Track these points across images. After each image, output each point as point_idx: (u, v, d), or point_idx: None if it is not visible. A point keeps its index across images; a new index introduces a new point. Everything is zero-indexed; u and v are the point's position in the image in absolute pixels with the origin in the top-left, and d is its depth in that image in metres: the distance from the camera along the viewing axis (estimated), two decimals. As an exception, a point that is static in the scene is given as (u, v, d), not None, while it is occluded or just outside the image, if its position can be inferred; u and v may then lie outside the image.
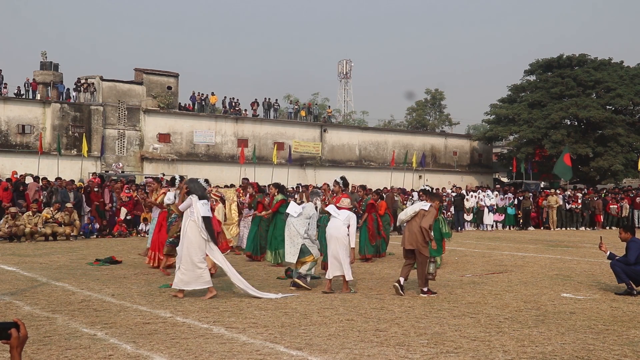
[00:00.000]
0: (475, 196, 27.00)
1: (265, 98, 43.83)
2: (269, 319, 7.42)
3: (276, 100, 44.17)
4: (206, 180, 12.10)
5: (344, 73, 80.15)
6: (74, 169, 31.63)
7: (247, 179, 16.98)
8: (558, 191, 29.88)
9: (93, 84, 36.08)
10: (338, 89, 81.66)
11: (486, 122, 49.34)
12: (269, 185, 14.44)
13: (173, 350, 5.91)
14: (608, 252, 9.89)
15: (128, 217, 20.34)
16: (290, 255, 9.71)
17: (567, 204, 28.21)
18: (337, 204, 9.91)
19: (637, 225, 26.31)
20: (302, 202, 24.12)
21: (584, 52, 45.65)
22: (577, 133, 43.10)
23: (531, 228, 27.49)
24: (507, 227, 27.46)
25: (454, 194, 26.32)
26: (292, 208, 9.99)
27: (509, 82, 57.29)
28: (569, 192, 29.49)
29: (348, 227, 9.57)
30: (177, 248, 9.41)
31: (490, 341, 6.44)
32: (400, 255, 14.98)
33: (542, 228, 27.75)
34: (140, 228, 20.37)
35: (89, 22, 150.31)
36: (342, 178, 12.76)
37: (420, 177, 42.18)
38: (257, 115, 42.26)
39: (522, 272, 12.27)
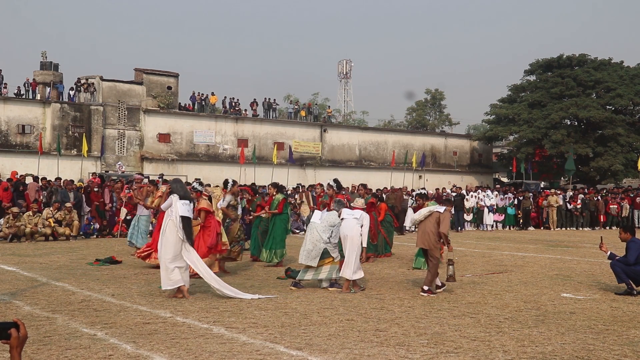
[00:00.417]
0: (475, 196, 27.00)
1: (265, 98, 43.86)
2: (269, 319, 7.42)
3: (274, 100, 44.19)
4: (200, 183, 12.13)
5: (344, 73, 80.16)
6: (74, 169, 31.63)
7: (235, 181, 16.86)
8: (558, 191, 29.89)
9: (93, 84, 36.09)
10: (338, 89, 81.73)
11: (486, 122, 49.34)
12: (268, 186, 14.45)
13: (173, 350, 5.91)
14: (609, 252, 9.90)
15: (128, 217, 20.31)
16: (310, 259, 9.62)
17: (567, 204, 28.21)
18: (352, 204, 10.23)
19: (637, 226, 26.31)
20: (302, 202, 24.25)
21: (584, 52, 45.71)
22: (577, 133, 43.10)
23: (531, 228, 27.49)
24: (507, 227, 27.46)
25: (453, 194, 26.31)
26: (317, 215, 10.04)
27: (509, 82, 57.38)
28: (570, 193, 29.48)
29: (361, 226, 9.72)
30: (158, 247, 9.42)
31: (490, 341, 6.44)
32: (401, 255, 15.04)
33: (542, 228, 27.75)
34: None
35: (89, 22, 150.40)
36: (335, 181, 12.79)
37: (420, 177, 42.19)
38: (257, 115, 42.26)
39: (522, 272, 12.27)
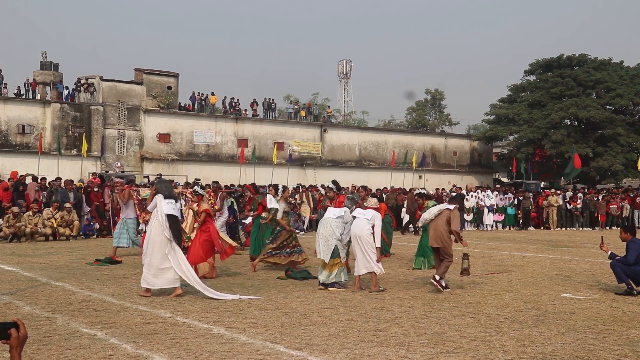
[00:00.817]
0: (475, 196, 27.01)
1: (265, 98, 43.85)
2: (269, 319, 7.42)
3: (273, 99, 44.18)
4: (202, 187, 12.15)
5: (344, 73, 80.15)
6: (74, 169, 31.63)
7: (217, 182, 16.87)
8: (558, 191, 29.89)
9: (93, 84, 36.08)
10: (338, 89, 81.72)
11: (486, 122, 49.34)
12: (268, 186, 14.43)
13: (173, 350, 5.91)
14: (609, 252, 9.90)
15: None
16: (324, 253, 9.64)
17: (567, 204, 28.22)
18: (365, 204, 10.29)
19: (637, 225, 26.30)
20: (302, 202, 24.25)
21: (584, 52, 45.69)
22: (577, 133, 43.09)
23: (531, 228, 27.49)
24: (507, 227, 27.46)
25: (453, 194, 26.30)
26: (332, 211, 10.03)
27: (509, 82, 57.34)
28: (570, 193, 29.49)
29: (372, 226, 9.75)
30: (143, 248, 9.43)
31: (490, 341, 6.44)
32: (401, 256, 15.04)
33: (542, 228, 27.75)
34: (140, 228, 20.33)
35: (89, 22, 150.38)
36: (334, 182, 12.79)
37: (420, 177, 42.17)
38: (257, 115, 42.26)
39: (522, 272, 12.27)
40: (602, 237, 11.01)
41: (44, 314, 7.49)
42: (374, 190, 26.73)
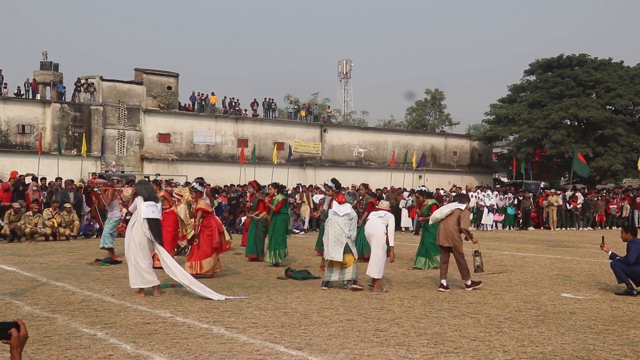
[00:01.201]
0: (475, 196, 27.01)
1: (265, 98, 43.83)
2: (269, 319, 7.42)
3: (273, 99, 44.18)
4: (201, 183, 12.12)
5: (344, 73, 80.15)
6: (74, 169, 31.62)
7: (201, 178, 16.65)
8: (558, 191, 29.90)
9: (93, 84, 36.08)
10: (338, 89, 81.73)
11: (486, 122, 49.33)
12: (268, 185, 14.43)
13: (173, 350, 5.91)
14: (610, 252, 9.91)
15: (127, 217, 20.29)
16: (336, 253, 9.55)
17: (567, 204, 28.22)
18: (377, 205, 10.42)
19: (637, 225, 26.30)
20: (302, 202, 24.25)
21: (584, 52, 45.66)
22: (577, 133, 43.08)
23: (531, 228, 27.50)
24: (507, 227, 27.46)
25: (453, 194, 26.31)
26: (338, 207, 9.99)
27: (509, 82, 57.33)
28: (570, 193, 29.49)
29: (386, 226, 9.81)
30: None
31: (490, 341, 6.44)
32: (401, 255, 15.03)
33: (542, 228, 27.76)
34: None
35: (89, 22, 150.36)
36: (334, 180, 12.78)
37: (420, 177, 42.16)
38: (257, 115, 42.26)
39: (522, 272, 12.27)
40: (602, 237, 11.02)
41: (44, 314, 7.49)
42: (373, 190, 26.76)
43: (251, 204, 14.62)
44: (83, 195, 19.66)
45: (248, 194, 15.69)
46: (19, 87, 35.95)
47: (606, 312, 8.21)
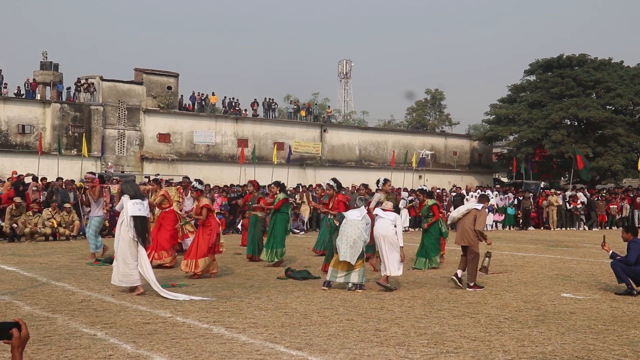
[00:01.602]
0: (475, 196, 26.98)
1: (265, 98, 43.84)
2: (269, 319, 7.42)
3: (272, 99, 44.18)
4: (200, 182, 12.11)
5: (344, 73, 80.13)
6: (74, 169, 31.61)
7: (187, 178, 16.54)
8: (558, 191, 29.91)
9: (93, 84, 36.08)
10: (338, 89, 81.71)
11: (486, 122, 49.34)
12: (269, 185, 14.42)
13: (173, 350, 5.92)
14: (610, 252, 9.92)
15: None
16: (350, 256, 9.54)
17: (567, 204, 28.22)
18: (382, 207, 10.35)
19: (637, 225, 26.29)
20: (302, 202, 24.25)
21: (584, 52, 45.67)
22: (577, 133, 43.09)
23: (531, 228, 27.49)
24: (507, 227, 27.45)
25: (453, 194, 26.32)
26: (355, 212, 9.97)
27: (509, 82, 57.35)
28: (570, 193, 29.49)
29: (395, 226, 9.85)
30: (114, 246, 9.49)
31: (490, 341, 6.44)
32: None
33: (542, 228, 27.75)
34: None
35: (89, 22, 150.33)
36: (334, 180, 12.78)
37: (420, 177, 42.16)
38: (257, 115, 42.26)
39: (522, 272, 12.27)
40: (604, 236, 11.02)
41: (44, 314, 7.49)
42: (373, 190, 26.73)
43: (249, 203, 14.61)
44: (83, 196, 19.64)
45: (247, 193, 15.63)
46: (19, 87, 35.96)
47: (606, 312, 8.21)
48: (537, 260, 14.59)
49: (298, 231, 22.78)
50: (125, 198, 9.22)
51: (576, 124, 44.56)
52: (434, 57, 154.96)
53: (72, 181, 20.99)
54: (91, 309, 7.89)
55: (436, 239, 13.00)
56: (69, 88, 36.57)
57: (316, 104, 53.66)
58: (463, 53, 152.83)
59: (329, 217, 12.25)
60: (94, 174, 14.27)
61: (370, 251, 14.25)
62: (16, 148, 33.45)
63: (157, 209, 13.03)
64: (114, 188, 15.80)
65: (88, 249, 13.33)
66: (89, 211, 13.98)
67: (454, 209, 25.36)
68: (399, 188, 29.23)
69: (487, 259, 10.63)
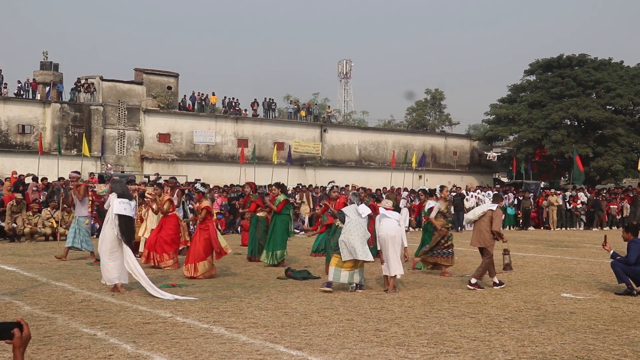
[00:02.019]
0: (475, 196, 27.01)
1: (265, 98, 43.85)
2: (269, 319, 7.42)
3: (273, 99, 44.19)
4: (203, 184, 12.13)
5: (344, 73, 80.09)
6: (74, 169, 31.37)
7: (174, 178, 16.45)
8: (558, 191, 29.91)
9: (93, 84, 36.09)
10: (338, 89, 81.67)
11: (486, 122, 49.35)
12: (269, 186, 14.42)
13: (173, 350, 5.92)
14: (612, 251, 9.93)
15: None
16: (365, 254, 9.50)
17: (567, 204, 28.23)
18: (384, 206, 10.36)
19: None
20: (302, 202, 24.26)
21: (584, 52, 45.70)
22: (577, 133, 43.10)
23: (531, 228, 27.50)
24: (507, 227, 27.44)
25: (453, 194, 26.32)
26: (357, 210, 9.94)
27: (509, 82, 57.31)
28: (570, 192, 29.50)
29: (399, 225, 9.88)
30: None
31: (490, 341, 6.45)
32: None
33: (542, 228, 27.76)
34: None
35: (89, 22, 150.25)
36: (332, 182, 12.82)
37: (420, 177, 42.17)
38: (257, 115, 42.27)
39: (522, 272, 12.27)
40: (605, 236, 11.01)
41: (44, 314, 7.50)
42: (373, 190, 26.76)
43: (246, 205, 14.65)
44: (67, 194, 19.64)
45: (245, 194, 15.67)
46: (19, 87, 35.95)
47: (606, 312, 8.21)
48: (537, 260, 14.59)
49: (298, 231, 22.78)
50: (112, 196, 9.31)
51: (576, 124, 44.57)
52: (434, 57, 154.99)
53: (93, 179, 20.90)
54: (91, 309, 7.89)
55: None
56: (73, 89, 36.55)
57: (316, 104, 53.66)
58: (463, 53, 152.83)
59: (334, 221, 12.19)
60: (78, 173, 14.20)
61: (374, 252, 14.28)
62: (16, 148, 33.46)
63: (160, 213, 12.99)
64: (99, 187, 15.71)
65: (88, 250, 13.33)
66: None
67: (454, 209, 25.46)
68: (399, 188, 29.25)
69: (506, 256, 10.81)
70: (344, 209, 9.99)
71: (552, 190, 30.30)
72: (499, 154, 44.39)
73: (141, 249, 13.42)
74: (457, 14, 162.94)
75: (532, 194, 28.90)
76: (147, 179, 28.57)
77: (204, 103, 41.08)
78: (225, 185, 26.32)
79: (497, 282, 10.12)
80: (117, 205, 9.15)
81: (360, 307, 8.25)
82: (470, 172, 49.10)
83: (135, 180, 23.82)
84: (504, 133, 45.38)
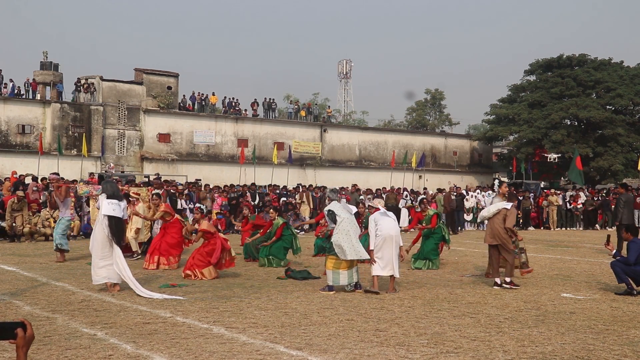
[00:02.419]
0: (475, 196, 27.01)
1: (265, 98, 43.86)
2: (269, 319, 7.42)
3: (273, 99, 44.18)
4: (200, 209, 12.19)
5: (344, 73, 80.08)
6: (74, 169, 31.62)
7: (159, 178, 16.43)
8: (558, 191, 29.91)
9: (93, 84, 36.09)
10: (338, 89, 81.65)
11: (486, 122, 49.36)
12: (268, 186, 14.43)
13: (173, 350, 5.92)
14: (614, 251, 9.95)
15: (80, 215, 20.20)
16: (362, 253, 9.39)
17: (567, 204, 28.23)
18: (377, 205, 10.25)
19: (638, 225, 26.28)
20: (302, 202, 24.25)
21: (584, 52, 45.74)
22: (577, 133, 43.11)
23: (531, 228, 27.49)
24: (507, 227, 27.42)
25: (454, 194, 26.32)
26: (350, 206, 9.93)
27: (509, 82, 57.34)
28: (570, 192, 29.50)
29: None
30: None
31: (490, 341, 6.44)
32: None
33: (542, 228, 27.75)
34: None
35: (89, 22, 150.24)
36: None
37: (420, 177, 42.18)
38: (257, 115, 42.27)
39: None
40: (608, 235, 11.01)
41: (44, 314, 7.50)
42: (374, 190, 26.76)
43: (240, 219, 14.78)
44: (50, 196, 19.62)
45: (245, 217, 15.88)
46: (19, 87, 35.95)
47: (606, 312, 8.21)
48: (537, 260, 14.58)
49: (298, 231, 22.77)
50: (102, 197, 9.34)
51: (576, 124, 44.58)
52: (434, 57, 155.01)
53: (74, 181, 20.96)
54: (91, 309, 7.89)
55: (436, 244, 13.04)
56: (74, 90, 36.55)
57: (316, 104, 53.66)
58: (463, 53, 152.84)
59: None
60: (57, 174, 14.23)
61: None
62: (16, 148, 33.46)
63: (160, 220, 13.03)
64: (81, 188, 15.68)
65: (88, 249, 13.30)
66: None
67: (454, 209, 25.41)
68: (399, 188, 29.24)
69: (523, 254, 10.85)
70: (333, 208, 9.61)
71: (552, 190, 30.30)
72: (559, 155, 43.01)
73: (134, 248, 13.48)
74: (457, 14, 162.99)
75: (532, 194, 28.89)
76: (147, 179, 28.59)
77: (204, 103, 41.08)
78: (226, 185, 26.30)
79: (499, 282, 10.12)
80: (106, 207, 9.17)
81: (360, 307, 8.25)
82: (470, 172, 49.11)
83: (135, 180, 23.81)
84: (504, 133, 45.39)
